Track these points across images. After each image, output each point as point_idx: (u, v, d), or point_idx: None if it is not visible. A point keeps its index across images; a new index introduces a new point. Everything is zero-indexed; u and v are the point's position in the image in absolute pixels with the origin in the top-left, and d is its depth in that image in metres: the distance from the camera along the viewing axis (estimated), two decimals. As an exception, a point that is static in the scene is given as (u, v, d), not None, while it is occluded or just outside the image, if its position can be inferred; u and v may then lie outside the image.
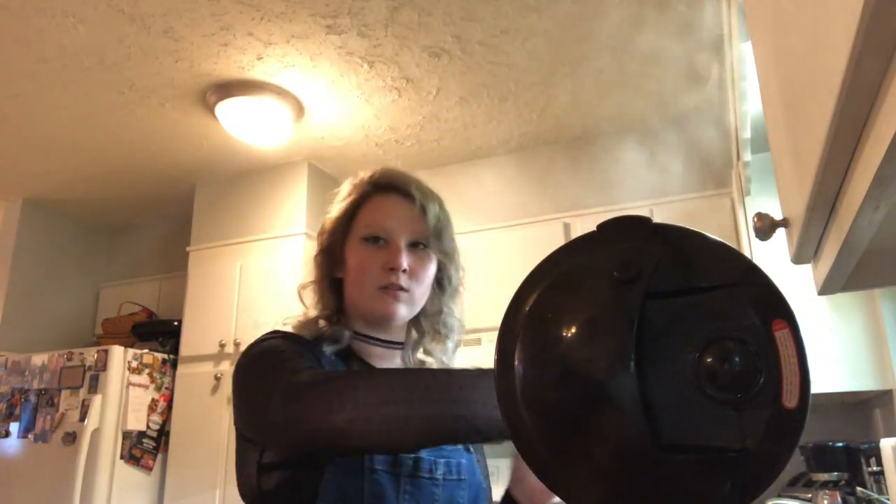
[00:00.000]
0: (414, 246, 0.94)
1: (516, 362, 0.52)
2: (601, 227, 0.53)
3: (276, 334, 0.91)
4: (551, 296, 0.53)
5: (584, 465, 0.49)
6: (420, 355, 1.01)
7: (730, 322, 0.48)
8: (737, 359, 0.46)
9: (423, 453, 0.86)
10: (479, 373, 0.69)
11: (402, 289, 0.91)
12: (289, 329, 0.96)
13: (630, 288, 0.49)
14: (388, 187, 0.96)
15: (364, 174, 0.99)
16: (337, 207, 0.98)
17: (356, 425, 0.69)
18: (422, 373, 0.75)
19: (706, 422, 0.47)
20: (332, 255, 0.96)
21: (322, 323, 0.96)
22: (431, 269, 0.96)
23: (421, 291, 0.95)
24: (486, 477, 1.00)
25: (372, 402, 0.69)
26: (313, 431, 0.72)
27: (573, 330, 0.51)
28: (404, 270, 0.91)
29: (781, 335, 0.46)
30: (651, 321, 0.48)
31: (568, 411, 0.50)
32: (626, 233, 0.52)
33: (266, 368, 0.82)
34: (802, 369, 0.45)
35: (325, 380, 0.75)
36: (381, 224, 0.93)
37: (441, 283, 0.99)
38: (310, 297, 0.99)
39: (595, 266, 0.52)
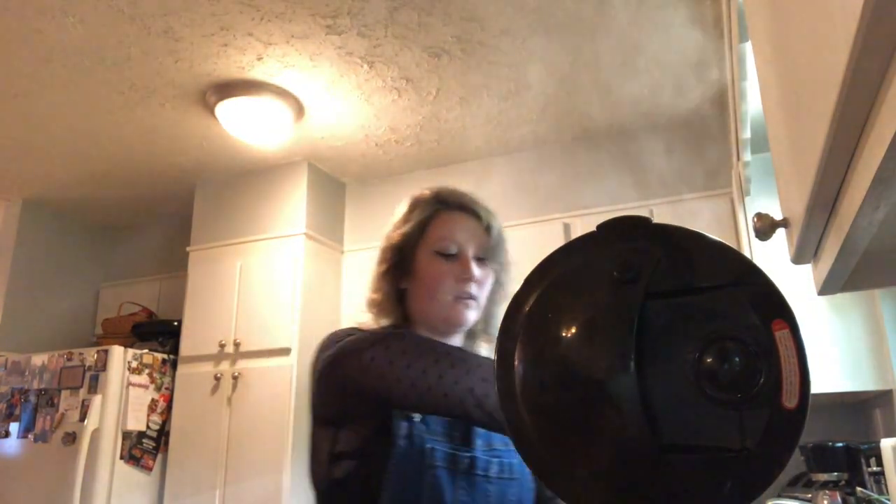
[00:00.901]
0: (478, 259, 1.03)
1: (516, 362, 0.52)
2: (601, 227, 0.53)
3: (351, 328, 1.02)
4: (551, 296, 0.53)
5: (584, 465, 0.49)
6: None
7: (729, 322, 0.48)
8: (737, 359, 0.46)
9: (478, 453, 0.92)
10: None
11: (472, 297, 1.00)
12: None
13: (630, 288, 0.49)
14: (456, 206, 1.05)
15: (426, 193, 1.08)
16: (405, 224, 1.06)
17: (378, 365, 0.84)
18: (453, 348, 0.89)
19: (706, 422, 0.47)
20: (402, 268, 1.04)
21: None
22: (491, 279, 1.06)
23: (483, 299, 1.04)
24: None
25: (397, 353, 0.85)
26: (350, 373, 0.88)
27: (573, 330, 0.51)
28: (475, 280, 1.00)
29: (781, 335, 0.46)
30: (651, 321, 0.48)
31: (568, 412, 0.50)
32: (625, 233, 0.52)
33: (333, 344, 0.95)
34: (802, 369, 0.45)
35: (368, 334, 0.92)
36: (453, 239, 1.02)
37: (493, 291, 1.08)
38: (374, 306, 1.07)
39: (595, 266, 0.52)
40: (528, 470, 0.97)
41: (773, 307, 0.47)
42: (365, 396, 0.89)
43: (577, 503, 0.50)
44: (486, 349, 1.10)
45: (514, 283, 1.10)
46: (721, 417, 0.46)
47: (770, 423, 0.45)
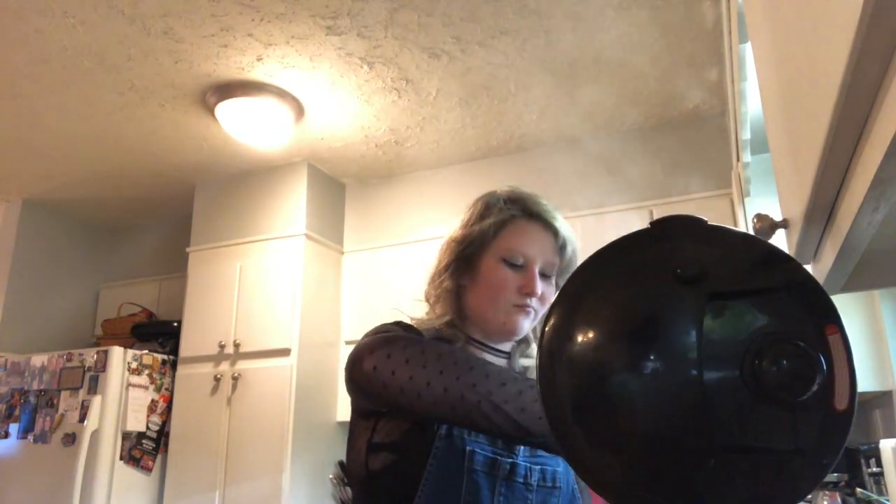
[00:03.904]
0: (542, 274, 0.99)
1: (565, 358, 0.51)
2: (655, 224, 0.52)
3: (396, 322, 0.99)
4: (607, 292, 0.52)
5: (638, 466, 0.49)
6: (523, 361, 1.07)
7: (787, 325, 0.48)
8: (795, 361, 0.47)
9: (520, 459, 0.90)
10: (519, 376, 0.81)
11: (531, 308, 0.98)
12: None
13: (694, 287, 0.49)
14: (534, 216, 1.02)
15: (504, 193, 1.04)
16: (478, 223, 1.02)
17: (380, 374, 0.84)
18: (461, 354, 0.87)
19: (761, 423, 0.48)
20: (466, 266, 1.01)
21: (442, 328, 1.01)
22: (553, 294, 1.02)
23: (542, 312, 1.01)
24: (586, 488, 1.03)
25: (400, 362, 0.83)
26: (355, 377, 0.88)
27: (633, 328, 0.51)
28: (536, 296, 0.98)
29: (833, 339, 0.47)
30: (710, 321, 0.49)
31: (623, 412, 0.50)
32: (681, 231, 0.52)
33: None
34: (851, 373, 0.46)
35: (381, 337, 0.90)
36: (523, 249, 0.98)
37: None
38: (430, 297, 1.05)
39: (653, 263, 0.52)
40: (571, 479, 0.96)
41: (827, 313, 0.48)
42: (372, 399, 0.89)
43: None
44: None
45: None
46: (775, 419, 0.47)
47: (823, 425, 0.46)
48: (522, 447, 0.91)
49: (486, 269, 0.98)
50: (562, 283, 1.02)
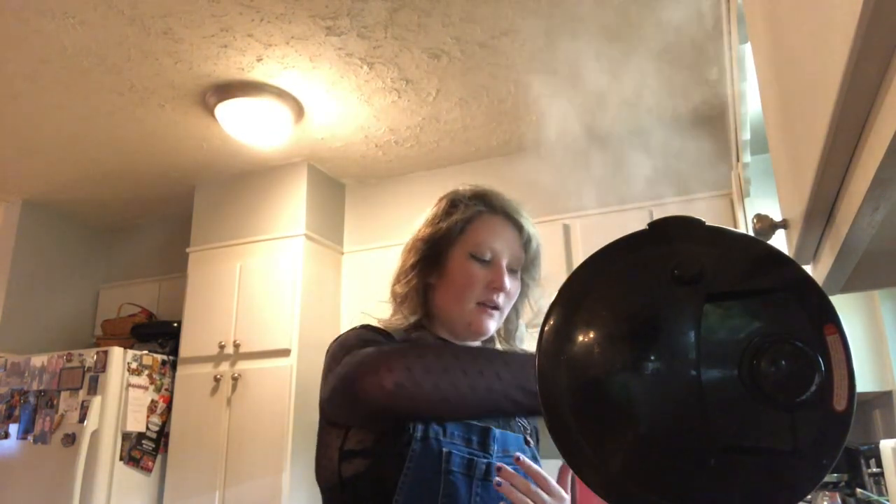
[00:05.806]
0: (511, 270, 1.00)
1: (564, 358, 0.51)
2: (653, 226, 0.53)
3: (365, 326, 0.98)
4: (606, 293, 0.53)
5: (637, 467, 0.49)
6: None
7: (785, 326, 0.49)
8: (793, 361, 0.47)
9: (495, 458, 0.91)
10: (525, 354, 0.82)
11: (497, 307, 0.99)
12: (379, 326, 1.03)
13: (692, 288, 0.49)
14: (500, 211, 1.03)
15: (468, 190, 1.05)
16: (445, 220, 1.02)
17: (405, 389, 0.79)
18: (472, 350, 0.86)
19: (759, 423, 0.48)
20: (433, 263, 1.01)
21: (409, 329, 1.01)
22: (519, 292, 1.03)
23: (507, 310, 1.02)
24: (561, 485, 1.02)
25: (421, 372, 0.80)
26: (371, 396, 0.81)
27: (632, 328, 0.51)
28: (504, 291, 0.98)
29: (832, 339, 0.47)
30: (708, 321, 0.49)
31: (624, 411, 0.50)
32: (679, 233, 0.52)
33: (346, 350, 0.90)
34: (850, 373, 0.46)
35: (384, 351, 0.85)
36: (490, 245, 0.99)
37: (518, 303, 1.06)
38: (398, 297, 1.04)
39: (652, 264, 0.52)
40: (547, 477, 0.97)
41: (825, 313, 0.48)
42: (394, 416, 0.86)
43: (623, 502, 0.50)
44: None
45: (543, 300, 1.08)
46: (774, 419, 0.47)
47: (821, 425, 0.46)
48: (497, 447, 0.92)
49: (454, 266, 0.99)
50: (526, 279, 1.03)
